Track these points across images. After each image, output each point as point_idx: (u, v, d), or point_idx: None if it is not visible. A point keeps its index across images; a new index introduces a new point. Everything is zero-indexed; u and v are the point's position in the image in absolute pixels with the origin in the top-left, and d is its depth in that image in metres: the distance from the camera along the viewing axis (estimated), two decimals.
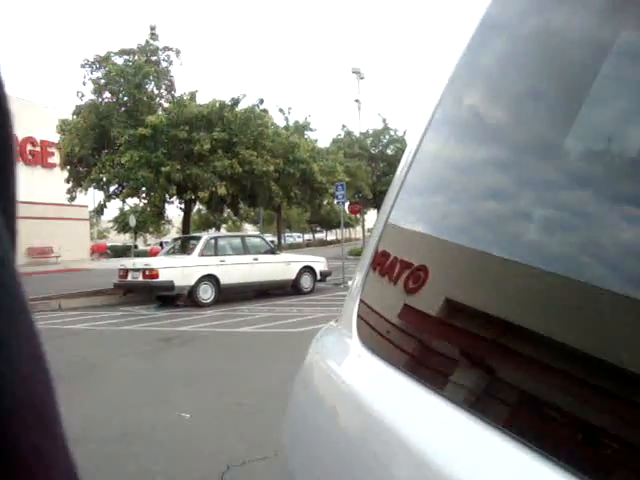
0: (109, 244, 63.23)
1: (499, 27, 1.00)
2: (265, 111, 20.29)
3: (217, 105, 18.83)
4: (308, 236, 78.85)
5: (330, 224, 70.16)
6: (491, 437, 0.59)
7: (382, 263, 1.09)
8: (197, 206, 25.78)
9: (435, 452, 0.62)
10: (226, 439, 5.08)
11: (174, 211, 27.09)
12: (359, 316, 1.07)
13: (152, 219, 20.57)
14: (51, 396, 0.34)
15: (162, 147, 18.02)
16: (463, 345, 0.77)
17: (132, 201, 21.00)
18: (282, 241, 34.71)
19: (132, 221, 29.38)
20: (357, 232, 70.91)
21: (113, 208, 23.97)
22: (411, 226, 1.11)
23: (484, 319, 0.73)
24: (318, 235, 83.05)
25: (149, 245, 61.39)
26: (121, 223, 59.64)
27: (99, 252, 57.35)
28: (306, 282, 17.23)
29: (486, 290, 0.75)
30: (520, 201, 0.77)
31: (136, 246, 43.03)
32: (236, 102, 19.32)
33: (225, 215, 53.70)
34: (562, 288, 0.63)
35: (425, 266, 0.90)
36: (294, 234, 75.40)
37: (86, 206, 36.12)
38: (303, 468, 0.98)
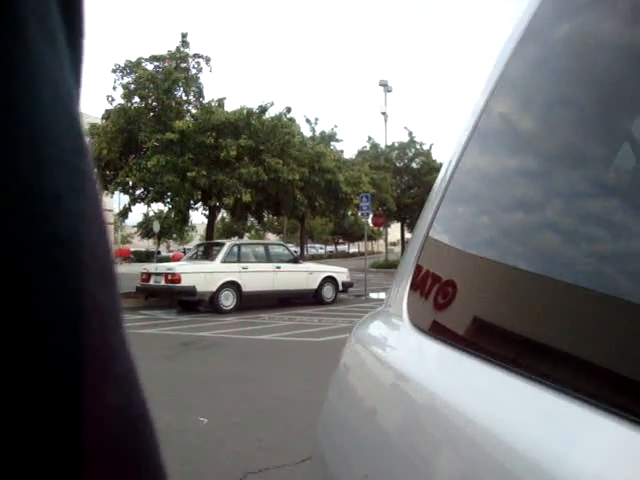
0: (132, 249, 63.74)
1: (536, 37, 0.98)
2: (292, 120, 20.29)
3: (244, 112, 18.87)
4: (330, 248, 78.80)
5: (353, 236, 70.09)
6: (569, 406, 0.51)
7: (423, 280, 1.01)
8: (221, 214, 25.84)
9: (521, 433, 0.53)
10: (244, 445, 4.98)
11: (198, 218, 27.27)
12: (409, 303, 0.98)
13: (176, 225, 20.63)
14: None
15: (189, 152, 18.07)
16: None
17: (156, 207, 21.15)
18: (304, 252, 34.65)
19: (156, 227, 29.63)
20: (380, 245, 70.78)
21: (137, 213, 24.27)
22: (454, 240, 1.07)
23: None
24: (340, 247, 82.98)
25: (172, 251, 61.81)
26: (145, 228, 60.41)
27: (122, 257, 57.76)
28: (328, 292, 17.11)
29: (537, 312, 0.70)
30: (572, 215, 0.74)
31: (159, 252, 43.43)
32: (263, 110, 19.34)
33: (249, 224, 54.09)
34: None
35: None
36: (316, 245, 75.36)
37: (111, 210, 36.38)
38: (355, 467, 0.88)
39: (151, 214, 49.16)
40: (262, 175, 18.20)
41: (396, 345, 0.99)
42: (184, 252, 39.11)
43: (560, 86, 0.87)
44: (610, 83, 0.75)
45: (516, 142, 0.95)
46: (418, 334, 0.87)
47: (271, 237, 62.93)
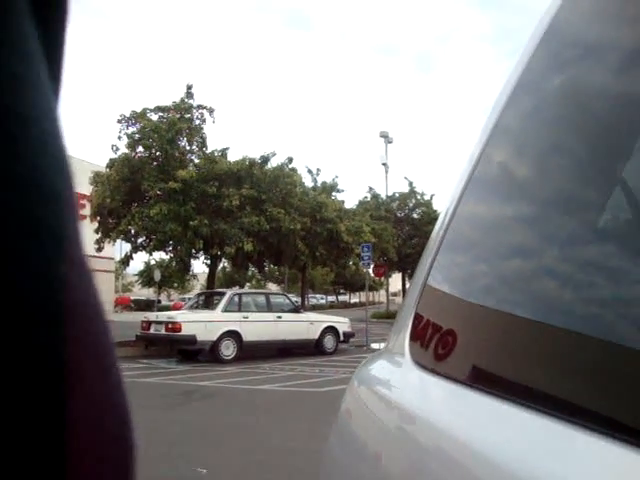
0: (132, 298, 63.57)
1: (529, 88, 1.02)
2: (294, 170, 20.49)
3: (247, 162, 19.08)
4: (331, 298, 78.48)
5: (354, 286, 69.90)
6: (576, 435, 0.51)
7: (424, 328, 1.02)
8: (222, 263, 25.82)
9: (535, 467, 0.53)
10: None
11: (199, 267, 27.27)
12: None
13: (177, 273, 20.63)
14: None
15: (191, 201, 18.21)
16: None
17: (158, 255, 21.21)
18: (305, 302, 34.51)
19: (157, 275, 29.61)
20: (381, 295, 70.55)
21: (138, 261, 24.28)
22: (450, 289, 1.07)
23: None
24: (342, 297, 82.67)
25: (172, 300, 61.60)
26: (146, 277, 60.33)
27: (122, 305, 57.58)
28: (329, 342, 17.01)
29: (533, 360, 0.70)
30: (564, 262, 0.75)
31: (159, 301, 43.28)
32: (266, 160, 19.57)
33: (249, 273, 54.03)
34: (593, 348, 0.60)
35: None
36: (317, 295, 75.11)
37: (112, 258, 36.37)
38: None
39: (152, 262, 49.18)
40: (264, 224, 18.31)
41: (400, 385, 0.99)
42: (184, 301, 38.95)
43: (553, 134, 0.89)
44: (600, 130, 0.78)
45: (511, 190, 0.97)
46: (421, 372, 0.88)
47: (272, 287, 62.78)
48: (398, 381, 0.99)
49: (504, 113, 1.02)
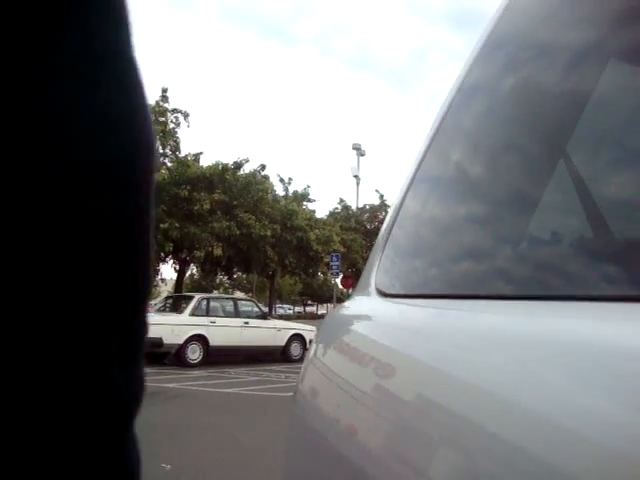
0: None
1: (478, 88, 1.06)
2: (266, 177, 20.59)
3: (220, 167, 19.11)
4: (299, 308, 78.35)
5: (322, 298, 69.80)
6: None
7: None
8: (190, 270, 25.63)
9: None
10: None
11: (167, 272, 27.04)
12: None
13: None
14: None
15: (162, 204, 18.17)
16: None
17: None
18: (273, 312, 34.45)
19: None
20: None
21: None
22: (394, 290, 1.09)
23: None
24: (309, 308, 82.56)
25: None
26: None
27: None
28: (295, 350, 17.01)
29: None
30: (498, 259, 0.80)
31: None
32: (238, 166, 19.61)
33: (217, 281, 53.69)
34: None
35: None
36: (285, 305, 74.93)
37: None
38: None
39: None
40: (234, 230, 18.34)
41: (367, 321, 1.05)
42: (151, 306, 38.56)
43: (498, 132, 0.94)
44: (549, 126, 0.83)
45: (456, 188, 1.02)
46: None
47: (240, 295, 62.42)
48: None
49: (449, 113, 1.07)
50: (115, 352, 0.40)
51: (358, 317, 1.08)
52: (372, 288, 1.04)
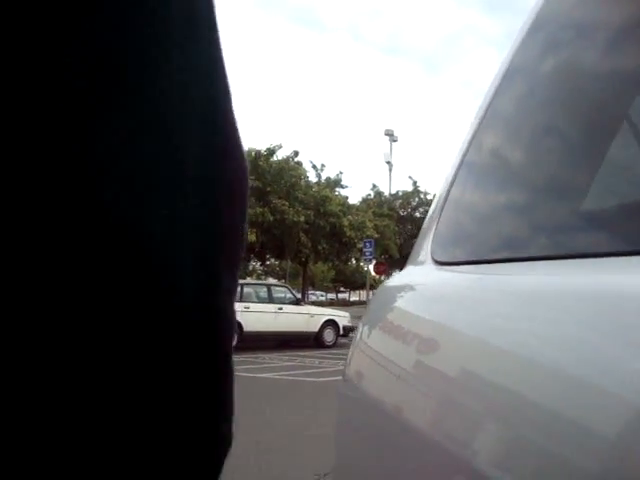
0: None
1: (522, 71, 1.03)
2: (299, 163, 20.54)
3: (252, 154, 19.12)
4: (331, 295, 78.40)
5: (354, 285, 69.68)
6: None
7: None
8: None
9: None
10: (245, 473, 4.92)
11: None
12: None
13: None
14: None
15: None
16: None
17: None
18: (305, 298, 34.56)
19: None
20: None
21: None
22: (451, 258, 1.07)
23: None
24: (341, 295, 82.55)
25: None
26: None
27: None
28: (329, 336, 17.01)
29: None
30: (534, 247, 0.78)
31: None
32: (271, 152, 19.59)
33: (250, 268, 53.96)
34: None
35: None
36: (317, 292, 75.06)
37: None
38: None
39: None
40: (268, 216, 18.35)
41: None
42: None
43: (545, 117, 0.91)
44: (593, 110, 0.80)
45: (503, 174, 1.00)
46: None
47: (273, 282, 62.62)
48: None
49: (496, 97, 1.04)
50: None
51: (413, 286, 1.04)
52: (427, 257, 1.00)
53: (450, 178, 1.08)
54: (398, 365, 0.84)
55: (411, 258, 1.13)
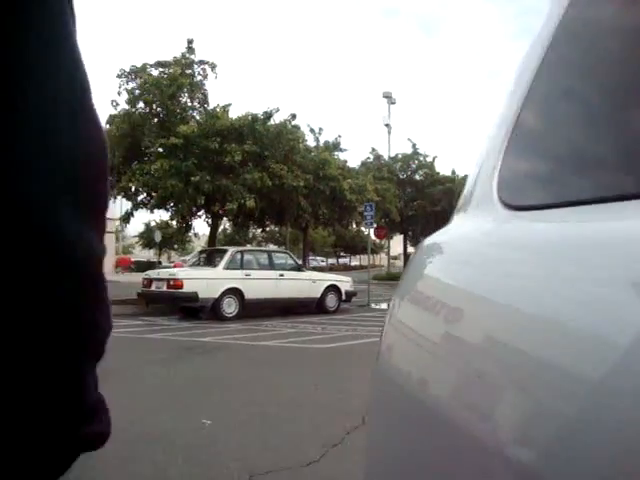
0: (134, 259, 63.45)
1: (580, 24, 0.88)
2: (297, 127, 20.15)
3: (249, 118, 18.72)
4: (332, 260, 78.45)
5: (354, 249, 69.72)
6: None
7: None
8: (222, 225, 25.55)
9: None
10: (249, 448, 4.74)
11: (200, 228, 27.06)
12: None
13: (179, 232, 20.42)
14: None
15: (193, 157, 17.90)
16: None
17: (158, 216, 21.20)
18: (306, 263, 34.43)
19: (157, 236, 29.43)
20: (381, 259, 70.51)
21: (139, 222, 24.21)
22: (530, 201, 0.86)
23: None
24: (342, 260, 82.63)
25: (172, 262, 61.57)
26: (146, 238, 60.14)
27: (123, 266, 57.49)
28: (331, 301, 16.88)
29: None
30: None
31: (160, 262, 43.12)
32: (269, 116, 19.19)
33: (250, 235, 53.83)
34: None
35: None
36: (318, 257, 75.04)
37: (112, 219, 36.13)
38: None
39: (153, 224, 48.97)
40: (266, 181, 18.02)
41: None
42: (185, 262, 38.85)
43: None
44: None
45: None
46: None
47: (273, 248, 62.62)
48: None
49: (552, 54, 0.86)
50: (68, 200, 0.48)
51: (478, 238, 0.77)
52: (493, 199, 0.73)
53: (517, 103, 0.81)
54: (471, 349, 0.60)
55: (464, 203, 0.86)
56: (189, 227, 21.59)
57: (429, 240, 0.92)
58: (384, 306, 19.43)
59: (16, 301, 0.43)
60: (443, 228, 0.92)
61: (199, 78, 20.34)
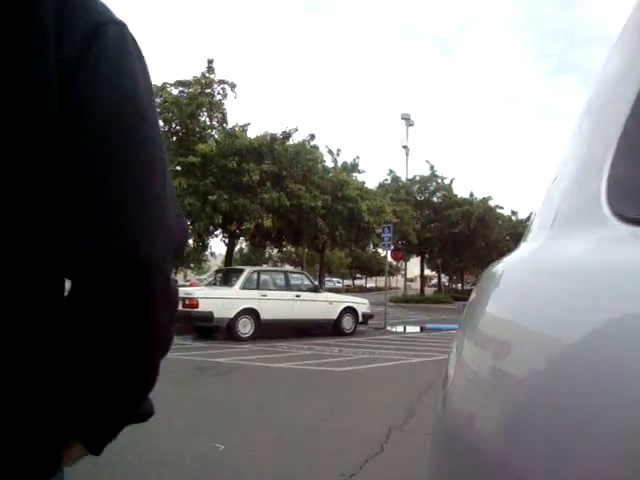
0: None
1: None
2: (315, 147, 20.08)
3: (268, 138, 18.68)
4: (348, 282, 78.10)
5: (371, 271, 69.35)
6: None
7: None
8: (239, 244, 25.40)
9: None
10: (264, 475, 4.56)
11: (217, 247, 27.01)
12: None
13: (196, 251, 20.32)
14: None
15: (211, 176, 17.86)
16: None
17: None
18: (322, 284, 34.25)
19: None
20: (398, 281, 70.13)
21: None
22: None
23: None
24: (358, 281, 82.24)
25: (188, 280, 61.50)
26: None
27: None
28: (348, 323, 16.66)
29: None
30: None
31: (176, 281, 42.98)
32: (287, 136, 19.15)
33: (267, 255, 53.70)
34: None
35: None
36: (334, 279, 74.77)
37: None
38: None
39: None
40: (284, 201, 17.91)
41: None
42: (201, 281, 38.77)
43: None
44: None
45: None
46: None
47: (289, 269, 62.43)
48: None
49: None
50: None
51: (585, 262, 0.59)
52: (602, 212, 0.57)
53: (633, 90, 0.65)
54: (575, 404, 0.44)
55: (540, 225, 0.70)
56: (206, 246, 21.50)
57: (507, 262, 0.75)
58: (400, 329, 19.20)
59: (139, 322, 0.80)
60: (522, 249, 0.75)
61: (218, 97, 20.37)
